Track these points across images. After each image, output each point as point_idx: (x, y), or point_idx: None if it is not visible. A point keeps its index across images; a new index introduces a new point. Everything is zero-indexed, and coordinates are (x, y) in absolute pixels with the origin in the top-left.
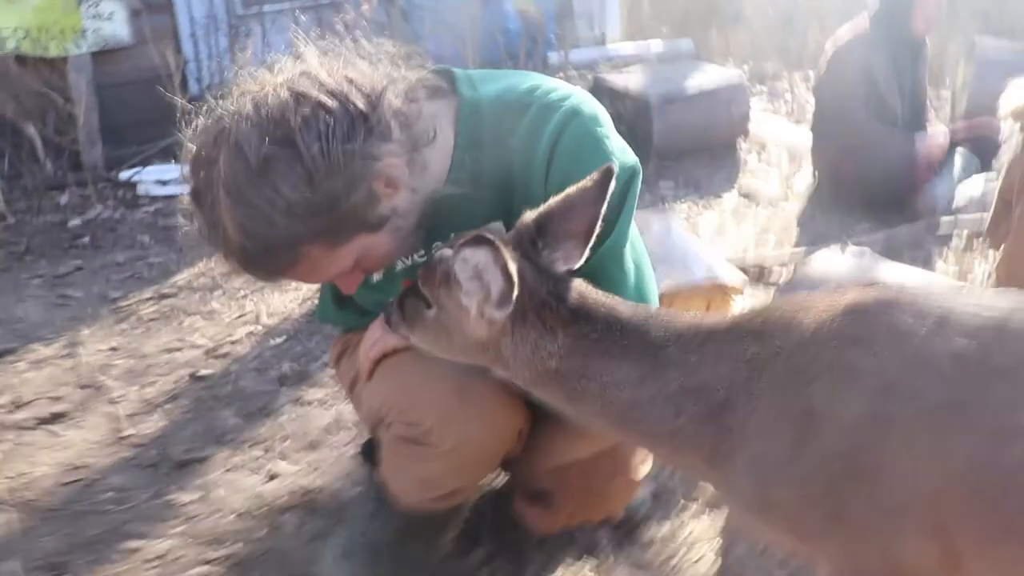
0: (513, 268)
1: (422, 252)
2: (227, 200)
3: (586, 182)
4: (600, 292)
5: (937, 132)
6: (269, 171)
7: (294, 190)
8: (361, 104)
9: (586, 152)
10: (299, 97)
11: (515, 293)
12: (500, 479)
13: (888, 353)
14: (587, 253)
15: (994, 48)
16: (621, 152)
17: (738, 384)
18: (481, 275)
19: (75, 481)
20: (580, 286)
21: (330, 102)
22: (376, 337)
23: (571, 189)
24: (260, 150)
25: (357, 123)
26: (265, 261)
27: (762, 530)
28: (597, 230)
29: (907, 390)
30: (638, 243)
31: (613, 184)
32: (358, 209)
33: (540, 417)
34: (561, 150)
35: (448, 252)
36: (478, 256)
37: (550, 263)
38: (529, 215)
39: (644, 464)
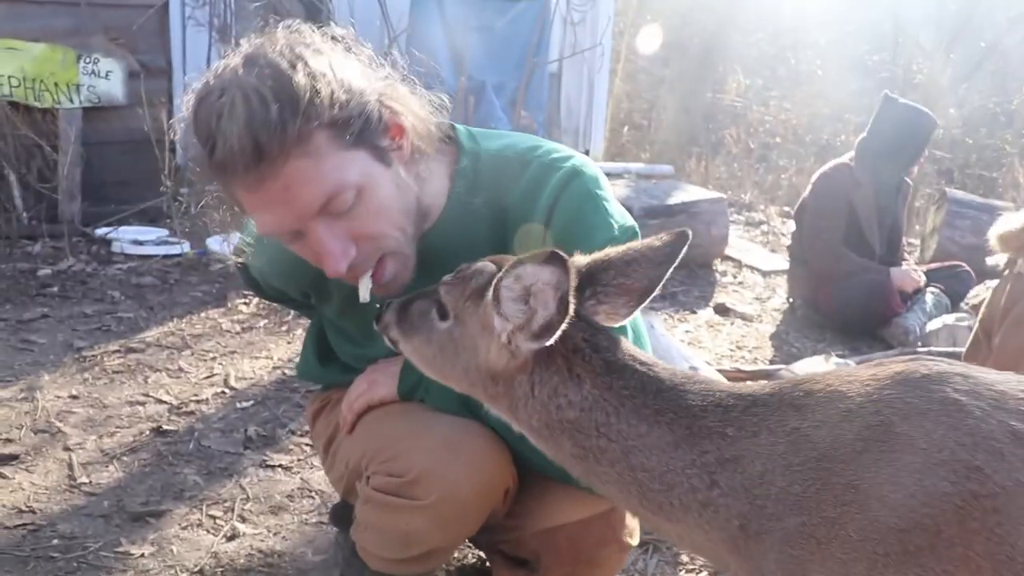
0: (572, 299)
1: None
2: (253, 70)
3: (654, 241)
4: (638, 350)
5: (911, 269)
6: (297, 61)
7: (320, 75)
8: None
9: (587, 211)
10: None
11: (563, 327)
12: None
13: (943, 429)
14: (636, 313)
15: (963, 200)
16: (621, 215)
17: (776, 457)
18: (530, 298)
19: (21, 525)
20: (620, 341)
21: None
22: (362, 389)
23: (636, 244)
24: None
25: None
26: (269, 135)
27: None
28: (656, 292)
29: (964, 468)
30: (644, 337)
31: (684, 251)
32: (370, 116)
33: (528, 477)
34: (562, 208)
35: (491, 266)
36: (542, 274)
37: (591, 312)
38: (580, 259)
39: (635, 530)
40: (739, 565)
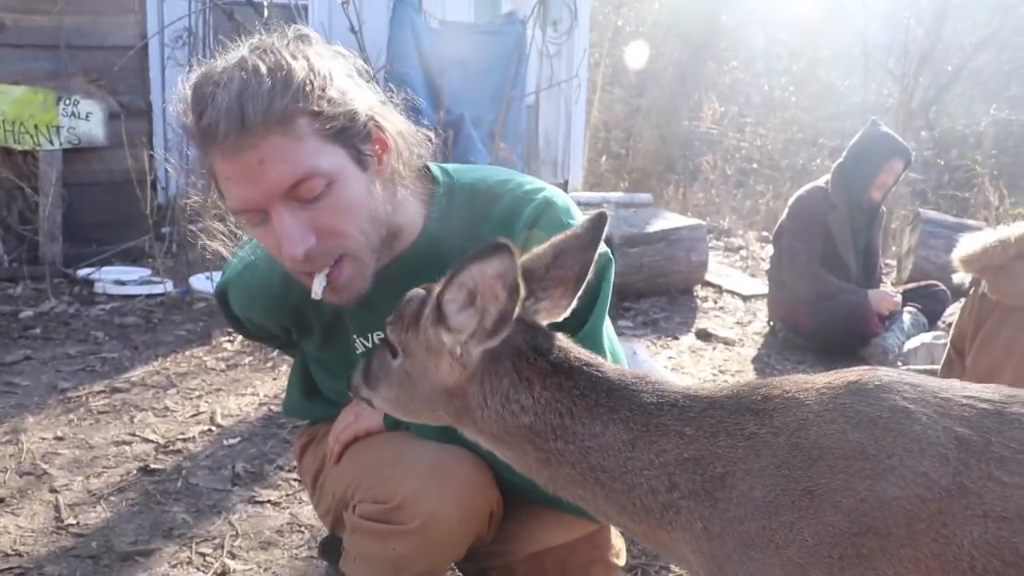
0: (520, 281)
1: (381, 334)
2: (257, 52)
3: (576, 229)
4: (584, 350)
5: (888, 290)
6: (300, 55)
7: (318, 70)
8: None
9: None
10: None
11: (516, 313)
12: None
13: (892, 436)
14: (574, 303)
15: (937, 220)
16: None
17: (736, 460)
18: (477, 298)
19: (7, 569)
20: (562, 340)
21: None
22: (349, 421)
23: (559, 236)
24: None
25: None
26: (255, 106)
27: None
28: (588, 278)
29: (911, 474)
30: (612, 335)
31: (606, 230)
32: (356, 120)
33: (514, 504)
34: (536, 238)
35: (419, 291)
36: (488, 268)
37: (533, 312)
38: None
39: (622, 551)
40: (700, 564)
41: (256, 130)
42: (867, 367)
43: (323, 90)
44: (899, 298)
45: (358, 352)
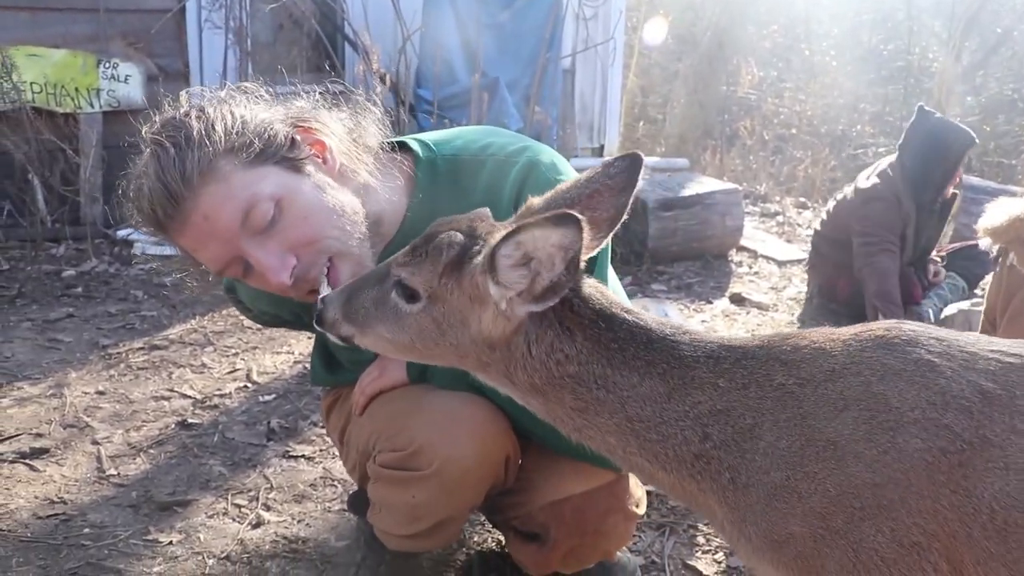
0: (583, 260)
1: None
2: (154, 129)
3: (610, 169)
4: (622, 299)
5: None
6: (192, 111)
7: (214, 116)
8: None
9: None
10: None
11: (570, 285)
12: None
13: (916, 389)
14: (606, 242)
15: (979, 186)
16: None
17: (764, 411)
18: (532, 261)
19: (53, 515)
20: (601, 287)
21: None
22: (374, 375)
23: (591, 176)
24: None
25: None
26: (173, 176)
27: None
28: (623, 218)
29: (934, 426)
30: (619, 289)
31: (640, 174)
32: (273, 137)
33: (532, 453)
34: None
35: (458, 235)
36: (552, 237)
37: None
38: (537, 201)
39: (642, 500)
40: (725, 515)
41: (185, 197)
42: (894, 320)
43: (225, 127)
44: (941, 271)
45: None
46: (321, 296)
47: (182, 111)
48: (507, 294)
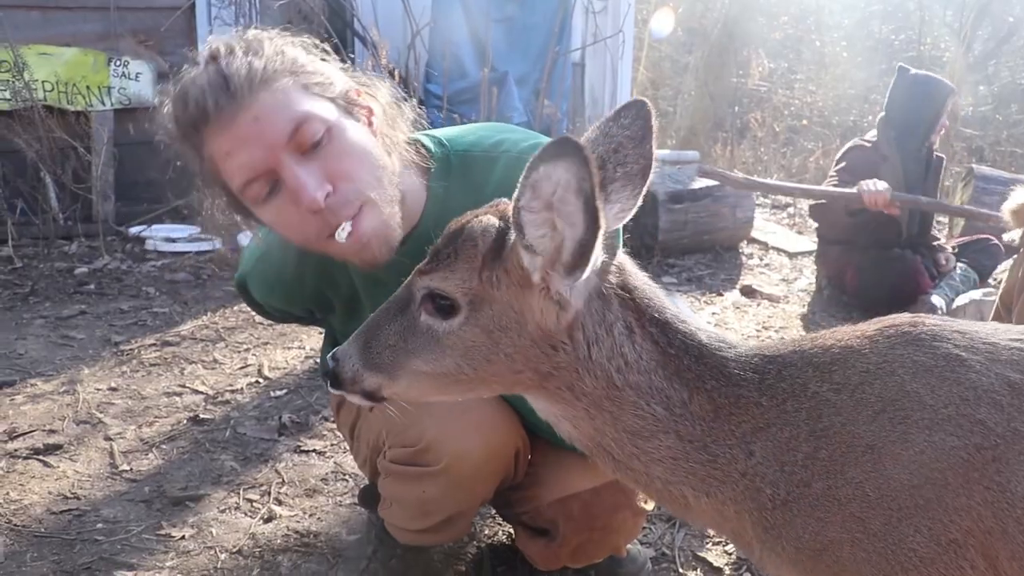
0: (600, 203)
1: None
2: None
3: (619, 120)
4: (672, 303)
5: (940, 256)
6: (268, 39)
7: (288, 49)
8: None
9: None
10: None
11: (598, 245)
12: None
13: (948, 385)
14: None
15: (991, 176)
16: None
17: (801, 423)
18: (554, 217)
19: (66, 511)
20: (652, 284)
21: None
22: None
23: (605, 130)
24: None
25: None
26: (237, 71)
27: None
28: (654, 167)
29: (968, 422)
30: None
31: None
32: (335, 83)
33: (540, 449)
34: None
35: (492, 219)
36: (555, 173)
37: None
38: None
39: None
40: (757, 536)
41: (243, 92)
42: (911, 315)
43: (295, 59)
44: (951, 259)
45: None
46: (331, 354)
47: (260, 35)
48: (538, 262)
